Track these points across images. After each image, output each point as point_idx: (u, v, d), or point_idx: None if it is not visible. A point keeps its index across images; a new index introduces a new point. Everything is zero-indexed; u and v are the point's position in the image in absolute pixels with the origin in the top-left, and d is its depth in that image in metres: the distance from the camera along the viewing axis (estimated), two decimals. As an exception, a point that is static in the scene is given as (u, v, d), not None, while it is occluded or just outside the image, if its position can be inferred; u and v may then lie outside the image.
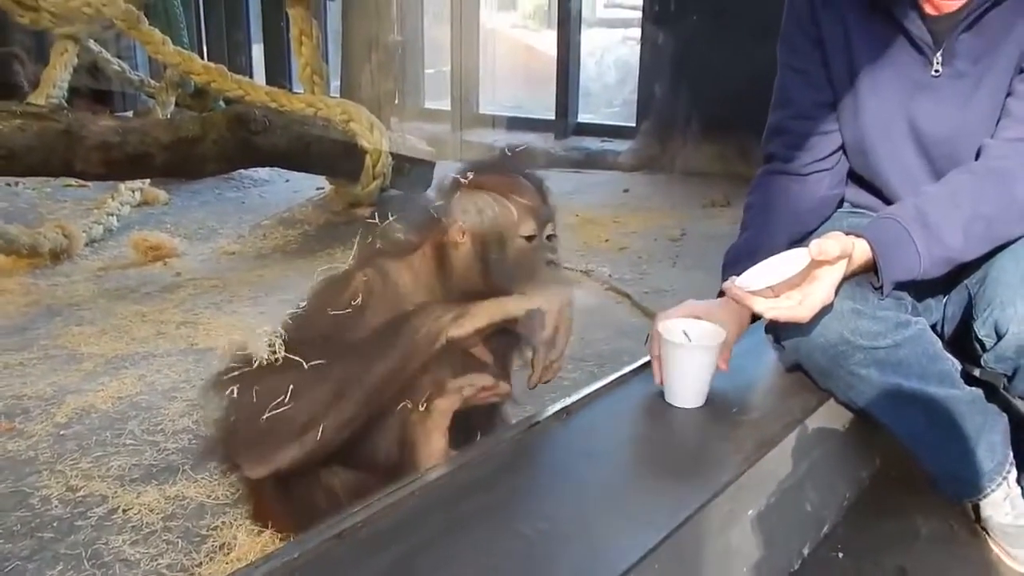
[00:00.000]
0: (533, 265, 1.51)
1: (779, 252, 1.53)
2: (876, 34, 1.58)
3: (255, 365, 1.39)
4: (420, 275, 1.57)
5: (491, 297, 1.49)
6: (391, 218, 1.63)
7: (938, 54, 1.53)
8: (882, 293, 1.46)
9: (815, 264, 1.40)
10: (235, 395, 1.39)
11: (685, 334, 1.58)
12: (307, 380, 1.37)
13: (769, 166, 1.76)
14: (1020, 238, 1.49)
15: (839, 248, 1.38)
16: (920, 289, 1.57)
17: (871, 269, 1.45)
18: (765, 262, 1.48)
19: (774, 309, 1.43)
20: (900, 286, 1.48)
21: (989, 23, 1.48)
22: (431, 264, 1.57)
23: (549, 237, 1.57)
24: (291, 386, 1.35)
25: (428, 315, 1.45)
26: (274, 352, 1.39)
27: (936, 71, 1.54)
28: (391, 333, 1.44)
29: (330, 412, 1.38)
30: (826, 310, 1.45)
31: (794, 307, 1.42)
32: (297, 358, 1.37)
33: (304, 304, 1.54)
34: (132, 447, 2.12)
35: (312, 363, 1.37)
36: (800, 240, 1.66)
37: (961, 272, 1.55)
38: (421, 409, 1.42)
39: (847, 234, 1.42)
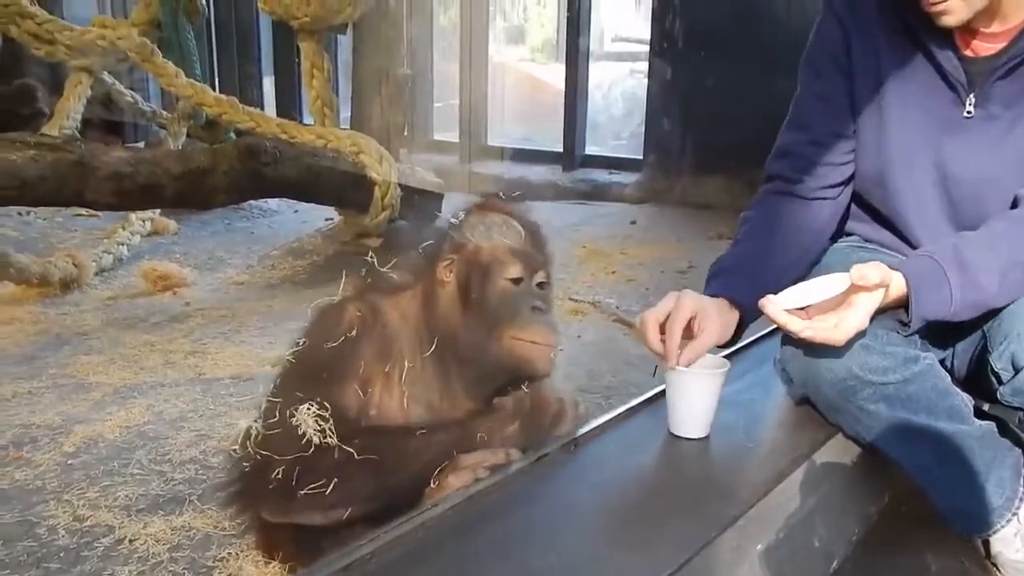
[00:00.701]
0: (515, 308, 1.50)
1: (771, 270, 1.56)
2: (910, 69, 1.57)
3: (294, 434, 1.39)
4: (407, 316, 1.58)
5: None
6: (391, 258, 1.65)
7: (971, 95, 1.53)
8: (909, 329, 1.46)
9: (853, 289, 1.40)
10: (268, 459, 1.40)
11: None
12: (350, 467, 1.38)
13: (772, 186, 1.73)
14: None
15: (880, 276, 1.38)
16: (931, 324, 1.57)
17: (903, 304, 1.45)
18: (803, 284, 1.49)
19: (810, 329, 1.43)
20: (926, 325, 1.48)
21: None
22: (419, 305, 1.58)
23: (540, 285, 1.56)
24: (334, 476, 1.37)
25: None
26: (324, 433, 1.39)
27: (969, 112, 1.54)
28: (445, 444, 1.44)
29: (367, 504, 1.40)
30: (848, 342, 1.45)
31: (829, 329, 1.42)
32: (348, 448, 1.38)
33: (304, 339, 1.54)
34: (139, 477, 2.12)
35: (354, 451, 1.38)
36: (791, 265, 1.65)
37: None
38: (433, 485, 1.42)
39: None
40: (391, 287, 1.62)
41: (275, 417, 1.42)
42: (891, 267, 1.43)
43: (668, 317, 1.50)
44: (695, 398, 1.55)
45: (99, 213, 4.67)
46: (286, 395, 1.44)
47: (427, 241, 1.62)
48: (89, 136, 4.93)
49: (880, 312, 1.45)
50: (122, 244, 4.33)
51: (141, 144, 5.97)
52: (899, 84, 1.59)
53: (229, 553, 1.76)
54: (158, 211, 4.63)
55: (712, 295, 1.57)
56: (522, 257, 1.53)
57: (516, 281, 1.52)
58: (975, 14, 1.44)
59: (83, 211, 4.73)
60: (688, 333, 1.51)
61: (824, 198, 1.70)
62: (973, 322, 1.54)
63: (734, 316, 1.57)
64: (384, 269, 1.64)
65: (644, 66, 5.63)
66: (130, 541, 1.83)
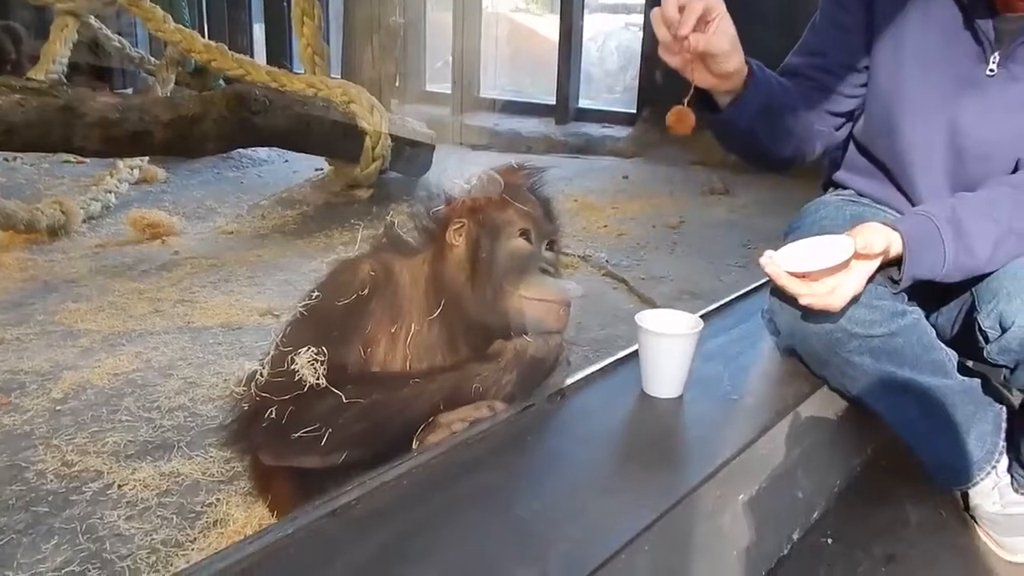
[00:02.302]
0: (524, 268, 1.50)
1: (780, 98, 1.54)
2: (937, 19, 1.54)
3: (296, 379, 1.40)
4: (417, 280, 1.58)
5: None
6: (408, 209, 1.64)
7: (996, 53, 1.50)
8: (898, 286, 1.46)
9: (855, 256, 1.40)
10: (270, 402, 1.40)
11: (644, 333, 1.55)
12: (348, 411, 1.39)
13: None
14: None
15: (883, 244, 1.39)
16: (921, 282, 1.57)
17: (896, 262, 1.44)
18: (803, 242, 1.47)
19: (810, 296, 1.43)
20: (915, 283, 1.48)
21: None
22: (430, 270, 1.58)
23: (550, 249, 1.56)
24: (329, 415, 1.38)
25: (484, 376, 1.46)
26: (318, 376, 1.40)
27: (991, 70, 1.51)
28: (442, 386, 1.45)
29: (362, 447, 1.40)
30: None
31: (827, 295, 1.42)
32: (338, 392, 1.38)
33: (317, 292, 1.55)
34: (128, 423, 2.13)
35: (353, 397, 1.39)
36: (789, 114, 1.61)
37: None
38: (416, 445, 1.42)
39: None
40: (406, 248, 1.63)
41: (282, 365, 1.43)
42: (886, 223, 1.42)
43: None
44: (666, 358, 1.55)
45: (87, 160, 4.62)
46: (295, 345, 1.45)
47: (424, 197, 1.62)
48: (75, 81, 4.87)
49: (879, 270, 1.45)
50: (110, 192, 4.30)
51: (129, 90, 5.90)
52: (922, 33, 1.56)
53: (217, 499, 1.78)
54: (146, 159, 4.59)
55: None
56: (532, 220, 1.53)
57: (526, 242, 1.52)
58: None
59: (71, 157, 4.69)
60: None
61: (822, 121, 1.67)
62: (962, 283, 1.54)
63: (743, 71, 1.49)
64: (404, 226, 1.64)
65: (639, 18, 5.57)
66: (119, 486, 1.85)
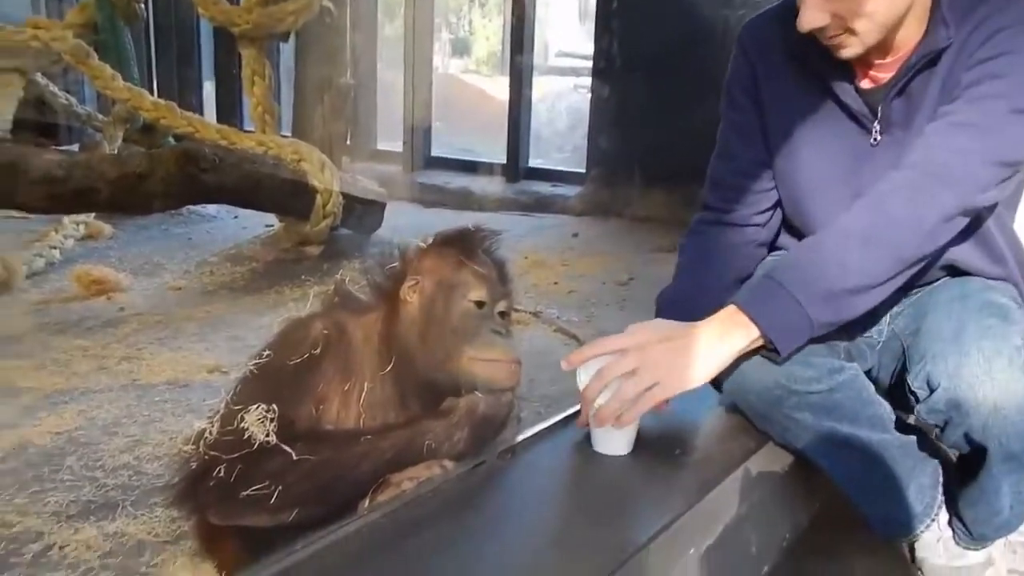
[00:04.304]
0: (475, 330, 1.52)
1: (711, 298, 1.56)
2: (815, 104, 1.62)
3: (245, 437, 1.39)
4: (371, 337, 1.59)
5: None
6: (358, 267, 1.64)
7: (876, 123, 1.58)
8: (779, 355, 1.47)
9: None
10: (219, 460, 1.39)
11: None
12: (298, 469, 1.38)
13: (705, 214, 1.79)
14: (948, 296, 1.57)
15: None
16: (853, 335, 1.62)
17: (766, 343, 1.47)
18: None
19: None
20: (832, 334, 1.52)
21: (914, 87, 1.54)
22: (383, 327, 1.59)
23: (502, 314, 1.58)
24: (279, 474, 1.37)
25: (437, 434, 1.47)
26: (267, 434, 1.39)
27: (875, 140, 1.59)
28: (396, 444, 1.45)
29: (312, 506, 1.39)
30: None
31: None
32: (288, 449, 1.38)
33: (268, 350, 1.54)
34: (70, 483, 2.08)
35: (304, 455, 1.38)
36: (727, 289, 1.68)
37: (892, 318, 1.62)
38: (366, 504, 1.42)
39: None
40: (358, 306, 1.63)
41: (232, 424, 1.42)
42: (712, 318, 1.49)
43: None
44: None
45: (31, 216, 4.55)
46: (245, 403, 1.44)
47: (379, 254, 1.64)
48: (20, 138, 4.81)
49: (752, 353, 1.50)
50: (54, 248, 4.23)
51: (75, 147, 5.84)
52: (807, 119, 1.64)
53: (162, 559, 1.74)
54: (92, 215, 4.54)
55: None
56: (486, 282, 1.55)
57: (479, 304, 1.53)
58: (868, 49, 1.50)
59: (14, 213, 4.61)
60: None
61: (756, 224, 1.75)
62: (895, 336, 1.59)
63: None
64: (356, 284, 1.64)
65: (587, 81, 5.70)
66: (60, 548, 1.80)
